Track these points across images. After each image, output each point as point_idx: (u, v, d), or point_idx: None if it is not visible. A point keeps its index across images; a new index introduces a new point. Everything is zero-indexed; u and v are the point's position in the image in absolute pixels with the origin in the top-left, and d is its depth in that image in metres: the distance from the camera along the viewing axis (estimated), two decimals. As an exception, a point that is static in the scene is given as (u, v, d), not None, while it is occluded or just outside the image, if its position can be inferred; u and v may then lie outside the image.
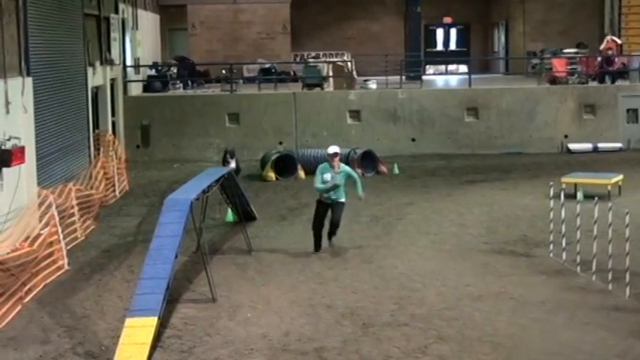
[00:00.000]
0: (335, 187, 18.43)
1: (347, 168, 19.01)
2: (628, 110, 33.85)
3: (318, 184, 18.47)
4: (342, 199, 18.65)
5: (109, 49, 29.95)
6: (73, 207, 20.25)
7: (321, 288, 16.25)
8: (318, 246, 18.70)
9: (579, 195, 20.35)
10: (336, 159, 18.55)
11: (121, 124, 31.98)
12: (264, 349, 13.19)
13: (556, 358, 12.53)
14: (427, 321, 14.30)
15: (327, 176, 18.41)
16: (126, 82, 33.27)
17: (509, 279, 16.55)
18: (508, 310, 14.75)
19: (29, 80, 19.37)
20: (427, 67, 46.27)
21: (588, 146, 32.98)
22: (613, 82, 35.06)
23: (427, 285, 16.29)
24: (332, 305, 15.21)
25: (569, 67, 36.18)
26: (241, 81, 38.31)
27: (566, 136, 33.46)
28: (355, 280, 16.76)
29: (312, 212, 18.89)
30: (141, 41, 35.91)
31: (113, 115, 31.05)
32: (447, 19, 48.54)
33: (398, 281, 16.62)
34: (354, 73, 38.34)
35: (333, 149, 18.67)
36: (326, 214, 18.60)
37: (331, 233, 18.90)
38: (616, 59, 35.82)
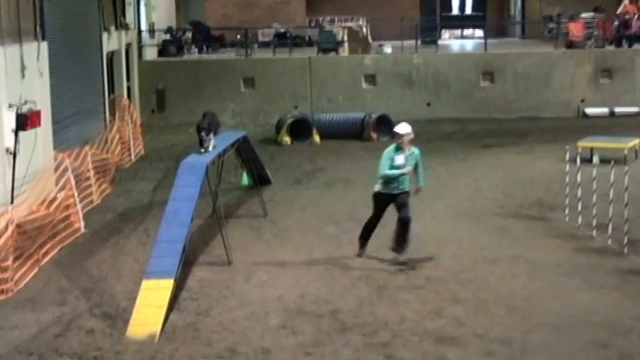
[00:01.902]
0: (406, 174, 15.22)
1: (418, 151, 15.55)
2: (645, 74, 33.59)
3: (386, 171, 15.10)
4: (408, 189, 15.41)
5: (123, 14, 29.91)
6: (89, 171, 20.30)
7: (337, 251, 16.28)
8: (364, 245, 15.83)
9: (595, 159, 20.30)
10: (407, 139, 15.23)
11: (136, 89, 32.00)
12: (280, 311, 13.25)
13: (571, 320, 12.53)
14: (442, 284, 14.32)
15: (400, 159, 15.07)
16: (141, 47, 33.25)
17: (524, 242, 16.54)
18: (523, 273, 14.75)
19: (44, 45, 19.35)
20: (443, 31, 45.98)
21: (605, 110, 32.77)
22: (630, 46, 34.77)
23: (442, 248, 16.30)
24: (347, 268, 15.25)
25: (585, 31, 35.91)
26: (256, 46, 38.20)
27: (582, 101, 33.25)
28: (370, 243, 16.75)
29: (327, 176, 18.87)
30: (155, 6, 35.83)
31: (128, 79, 31.07)
32: (463, -17, 48.19)
33: (413, 244, 16.57)
34: (369, 37, 38.17)
35: (404, 128, 15.24)
36: (386, 208, 15.48)
37: (402, 237, 15.39)
38: (633, 23, 35.53)
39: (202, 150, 16.40)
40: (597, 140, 23.99)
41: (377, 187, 15.37)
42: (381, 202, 15.36)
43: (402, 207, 15.21)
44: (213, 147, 16.50)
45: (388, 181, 15.18)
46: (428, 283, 14.38)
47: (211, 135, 16.54)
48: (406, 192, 15.28)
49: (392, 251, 15.33)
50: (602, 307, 13.04)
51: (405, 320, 12.75)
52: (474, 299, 13.55)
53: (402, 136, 15.15)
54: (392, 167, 15.10)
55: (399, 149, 15.16)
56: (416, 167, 15.30)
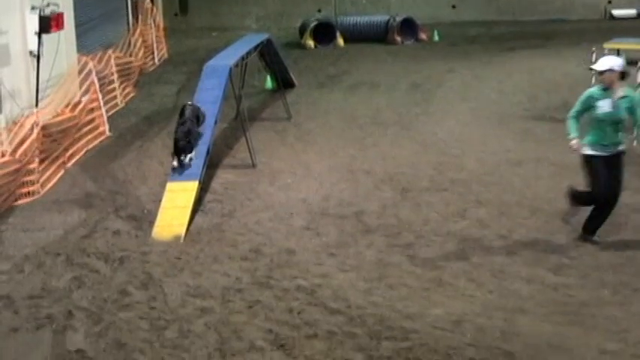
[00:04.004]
0: (617, 124, 11.19)
1: (633, 93, 11.54)
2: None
3: (571, 117, 11.57)
4: (623, 146, 11.40)
5: None
6: (112, 74, 20.29)
7: (361, 154, 16.29)
8: (598, 226, 11.76)
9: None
10: (611, 78, 11.14)
11: (158, -8, 31.74)
12: (304, 213, 13.31)
13: (595, 222, 12.52)
14: (466, 186, 14.33)
15: (606, 106, 11.12)
16: (163, -51, 32.89)
17: (549, 144, 16.49)
18: (547, 175, 14.73)
19: (66, -54, 19.15)
20: None
21: (632, 12, 32.35)
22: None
23: (466, 151, 16.27)
24: (371, 171, 15.27)
25: None
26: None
27: (609, 2, 32.81)
28: (394, 146, 16.77)
29: (350, 79, 18.75)
30: None
31: (151, -18, 30.77)
32: None
33: (437, 147, 16.61)
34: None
35: (605, 63, 11.23)
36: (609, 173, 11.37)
37: (600, 216, 11.72)
38: None
39: (175, 164, 13.70)
40: (624, 42, 23.70)
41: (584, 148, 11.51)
42: (600, 164, 11.37)
43: (615, 170, 11.44)
44: (190, 160, 13.72)
45: (598, 135, 11.33)
46: (452, 185, 14.38)
47: (192, 153, 13.77)
48: (621, 150, 11.41)
49: (583, 232, 11.91)
50: (625, 208, 13.00)
51: (429, 222, 12.80)
52: (497, 201, 13.57)
53: (605, 72, 11.19)
54: (595, 116, 11.27)
55: (604, 91, 11.24)
56: (635, 116, 11.22)
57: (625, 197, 11.98)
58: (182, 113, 14.20)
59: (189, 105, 14.41)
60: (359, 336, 9.28)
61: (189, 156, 13.68)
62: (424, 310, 9.87)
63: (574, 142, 11.50)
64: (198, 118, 14.25)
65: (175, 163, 13.63)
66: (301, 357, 8.90)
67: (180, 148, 13.60)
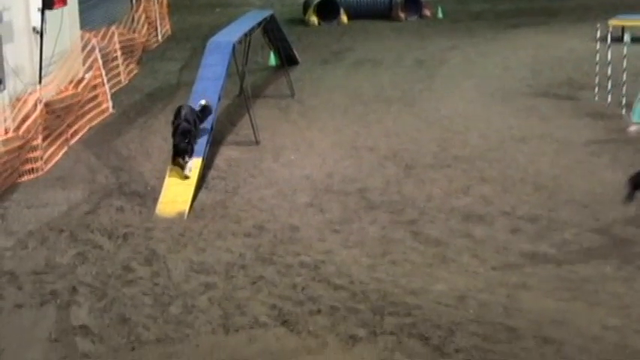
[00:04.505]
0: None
1: None
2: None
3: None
4: None
5: None
6: (116, 51, 20.25)
7: (364, 131, 16.27)
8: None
9: (626, 37, 20.00)
10: None
11: (161, -32, 31.60)
12: (308, 190, 13.31)
13: (598, 198, 12.52)
14: (470, 162, 14.32)
15: None
16: None
17: (553, 121, 16.46)
18: (551, 152, 14.71)
19: None
20: None
21: (637, -11, 32.14)
22: None
23: (470, 127, 16.24)
24: (375, 148, 15.25)
25: None
26: None
27: (614, -21, 32.60)
28: (398, 123, 16.75)
29: (354, 56, 18.68)
30: None
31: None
32: None
33: (441, 124, 16.58)
34: None
35: None
36: None
37: None
38: None
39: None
40: (628, 18, 23.59)
41: None
42: None
43: None
44: (190, 170, 13.19)
45: None
46: (455, 161, 14.37)
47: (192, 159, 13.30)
48: None
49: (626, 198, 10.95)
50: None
51: (432, 198, 12.79)
52: (501, 177, 13.56)
53: None
54: None
55: None
56: None
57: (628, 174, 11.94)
58: (177, 115, 13.55)
59: (185, 106, 13.82)
60: (362, 311, 9.30)
61: (188, 164, 13.14)
62: (427, 286, 9.89)
63: (634, 127, 10.98)
64: (198, 116, 13.73)
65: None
66: (305, 332, 8.93)
67: (182, 149, 13.12)
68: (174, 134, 13.40)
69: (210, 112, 14.00)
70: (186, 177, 13.05)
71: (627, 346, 8.52)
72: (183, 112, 13.51)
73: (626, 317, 9.07)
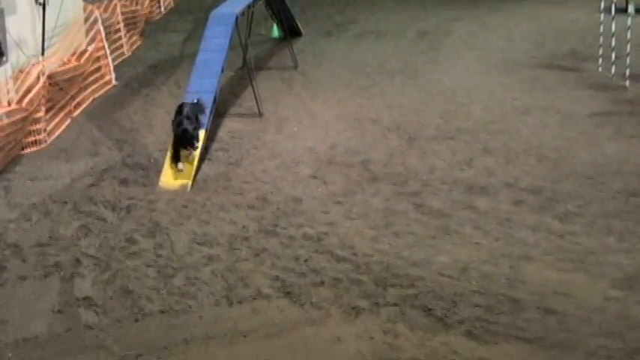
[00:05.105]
0: None
1: None
2: None
3: None
4: None
5: None
6: (118, 23, 20.20)
7: (367, 103, 16.24)
8: None
9: (630, 8, 19.87)
10: None
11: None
12: (311, 162, 13.30)
13: (602, 169, 12.51)
14: (473, 134, 14.30)
15: None
16: None
17: (556, 93, 16.42)
18: (555, 124, 14.69)
19: None
20: None
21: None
22: None
23: (473, 99, 16.22)
24: (378, 119, 15.23)
25: None
26: None
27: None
28: (401, 95, 16.72)
29: (357, 28, 18.67)
30: None
31: None
32: None
33: (444, 96, 16.55)
34: None
35: None
36: None
37: None
38: None
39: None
40: (633, -10, 23.49)
41: None
42: None
43: None
44: (192, 158, 12.94)
45: None
46: (458, 133, 14.35)
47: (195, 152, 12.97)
48: None
49: None
50: (633, 156, 12.98)
51: (435, 170, 12.79)
52: (504, 149, 13.54)
53: None
54: None
55: None
56: None
57: (632, 146, 11.98)
58: (179, 111, 13.22)
59: (188, 103, 13.52)
60: (365, 283, 9.32)
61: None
62: (430, 258, 9.91)
63: None
64: (197, 117, 13.41)
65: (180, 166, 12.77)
66: (307, 304, 8.95)
67: (190, 136, 12.77)
68: (176, 128, 12.93)
69: (203, 111, 13.73)
70: (180, 170, 12.69)
71: (629, 317, 8.54)
72: (185, 110, 13.20)
73: (629, 288, 9.09)
